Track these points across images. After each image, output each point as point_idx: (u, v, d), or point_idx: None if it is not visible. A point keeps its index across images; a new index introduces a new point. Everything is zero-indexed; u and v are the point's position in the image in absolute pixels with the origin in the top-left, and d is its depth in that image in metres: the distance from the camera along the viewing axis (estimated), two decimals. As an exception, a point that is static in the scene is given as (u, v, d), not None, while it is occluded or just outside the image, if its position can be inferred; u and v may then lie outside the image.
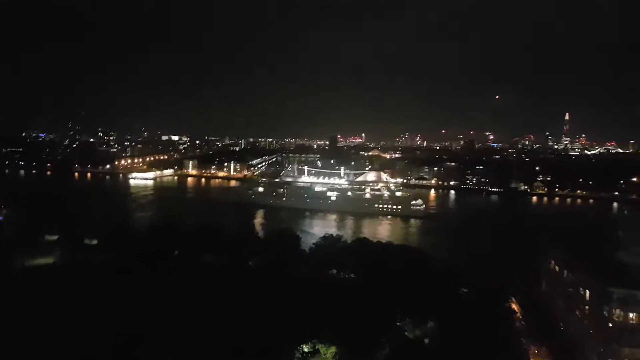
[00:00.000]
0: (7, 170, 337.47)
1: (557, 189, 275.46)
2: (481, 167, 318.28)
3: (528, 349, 64.10)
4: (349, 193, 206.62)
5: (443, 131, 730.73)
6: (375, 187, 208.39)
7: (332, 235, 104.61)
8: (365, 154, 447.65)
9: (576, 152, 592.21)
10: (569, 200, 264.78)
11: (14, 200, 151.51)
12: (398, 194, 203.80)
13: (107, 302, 69.41)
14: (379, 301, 69.92)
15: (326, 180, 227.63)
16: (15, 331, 58.86)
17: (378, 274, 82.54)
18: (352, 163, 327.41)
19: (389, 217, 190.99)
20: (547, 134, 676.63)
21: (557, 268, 79.19)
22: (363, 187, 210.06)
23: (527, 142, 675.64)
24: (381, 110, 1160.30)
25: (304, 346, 58.86)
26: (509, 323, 68.73)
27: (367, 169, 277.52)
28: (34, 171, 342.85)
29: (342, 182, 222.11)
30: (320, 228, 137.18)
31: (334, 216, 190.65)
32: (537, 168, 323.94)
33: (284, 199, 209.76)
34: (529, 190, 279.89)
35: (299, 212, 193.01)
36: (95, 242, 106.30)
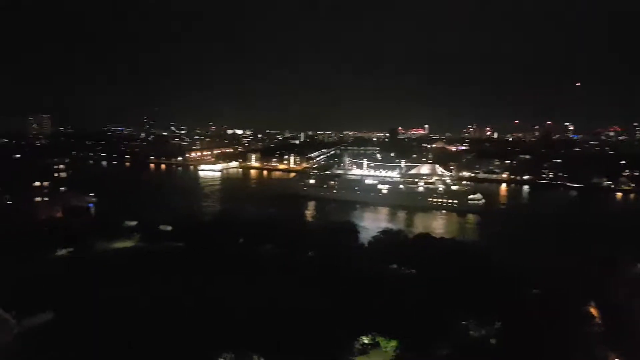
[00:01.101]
0: (91, 162, 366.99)
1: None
2: (559, 160, 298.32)
3: (606, 356, 59.61)
4: (401, 186, 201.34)
5: (516, 122, 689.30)
6: (429, 180, 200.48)
7: (391, 229, 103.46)
8: (428, 146, 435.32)
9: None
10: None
11: (99, 189, 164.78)
12: (454, 187, 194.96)
13: (178, 283, 74.40)
14: (442, 298, 68.24)
15: (381, 173, 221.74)
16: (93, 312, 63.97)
17: (441, 270, 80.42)
18: (414, 156, 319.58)
19: (444, 211, 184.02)
20: (634, 124, 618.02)
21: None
22: (416, 180, 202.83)
23: (611, 134, 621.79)
24: (446, 100, 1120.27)
25: (364, 338, 58.62)
26: (586, 328, 64.22)
27: (423, 160, 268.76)
28: (114, 162, 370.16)
29: (394, 174, 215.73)
30: (370, 221, 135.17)
31: (385, 210, 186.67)
32: (622, 162, 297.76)
33: (335, 191, 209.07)
34: (613, 186, 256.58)
35: (349, 204, 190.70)
36: (169, 228, 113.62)
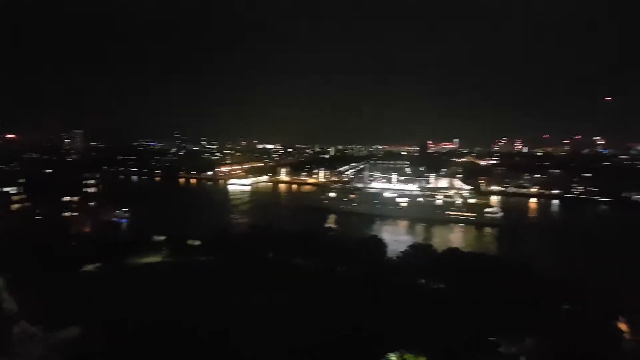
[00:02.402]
0: (122, 176, 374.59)
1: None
2: (589, 175, 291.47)
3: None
4: (420, 199, 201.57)
5: (545, 136, 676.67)
6: (448, 194, 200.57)
7: (420, 243, 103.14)
8: (458, 160, 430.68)
9: None
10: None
11: (129, 204, 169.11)
12: (471, 200, 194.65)
13: (204, 298, 75.58)
14: (472, 313, 67.54)
15: (401, 186, 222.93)
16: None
17: (470, 285, 79.88)
18: (444, 170, 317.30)
19: (462, 224, 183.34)
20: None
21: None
22: (434, 193, 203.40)
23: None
24: (476, 114, 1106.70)
25: (392, 355, 58.52)
26: (616, 344, 62.38)
27: (452, 174, 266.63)
28: (145, 177, 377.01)
29: (414, 188, 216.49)
30: (390, 235, 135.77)
31: (404, 222, 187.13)
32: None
33: (355, 204, 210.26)
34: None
35: (369, 217, 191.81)
36: (197, 243, 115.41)
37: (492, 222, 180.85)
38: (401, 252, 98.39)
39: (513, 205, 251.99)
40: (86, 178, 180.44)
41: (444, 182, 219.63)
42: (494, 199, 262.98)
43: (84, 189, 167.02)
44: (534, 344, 60.88)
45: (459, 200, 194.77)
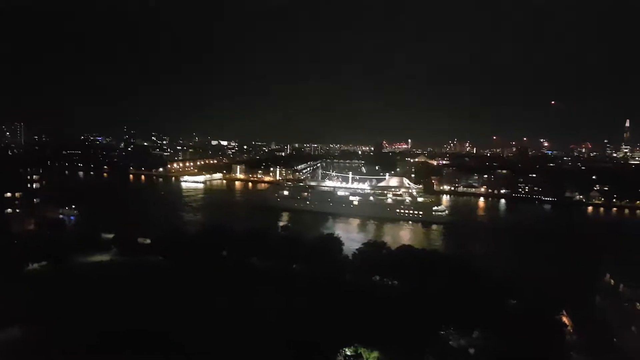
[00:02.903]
0: (67, 172, 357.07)
1: (615, 200, 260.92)
2: (534, 175, 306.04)
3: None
4: (371, 198, 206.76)
5: (494, 138, 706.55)
6: (397, 193, 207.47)
7: (375, 241, 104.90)
8: (411, 160, 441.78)
9: (637, 160, 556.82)
10: (627, 211, 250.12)
11: (75, 200, 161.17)
12: (420, 199, 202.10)
13: (152, 298, 73.78)
14: (423, 309, 69.70)
15: (352, 184, 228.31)
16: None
17: (422, 281, 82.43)
18: (398, 169, 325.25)
19: (410, 222, 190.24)
20: (605, 141, 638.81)
21: (612, 282, 75.70)
22: (385, 192, 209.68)
23: (583, 150, 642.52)
24: (429, 117, 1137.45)
25: (347, 349, 59.33)
26: (559, 337, 66.22)
27: (395, 172, 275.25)
28: (91, 173, 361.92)
29: (365, 187, 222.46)
30: (342, 232, 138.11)
31: (356, 221, 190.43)
32: (594, 177, 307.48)
33: (308, 202, 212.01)
34: (584, 200, 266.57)
35: (321, 216, 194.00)
36: (148, 241, 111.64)
37: (439, 220, 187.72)
38: (356, 250, 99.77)
39: (462, 204, 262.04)
40: (29, 174, 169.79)
41: (394, 181, 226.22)
42: (445, 198, 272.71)
43: (27, 185, 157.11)
44: (482, 337, 63.51)
45: (408, 199, 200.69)
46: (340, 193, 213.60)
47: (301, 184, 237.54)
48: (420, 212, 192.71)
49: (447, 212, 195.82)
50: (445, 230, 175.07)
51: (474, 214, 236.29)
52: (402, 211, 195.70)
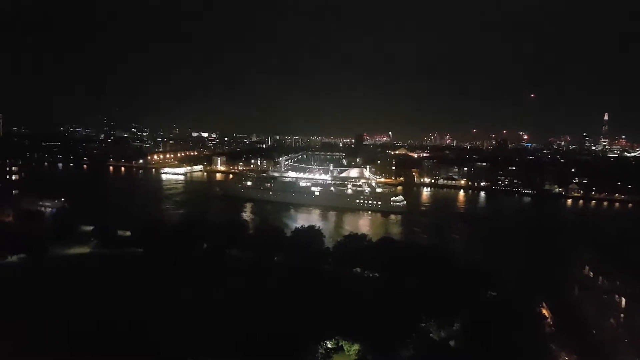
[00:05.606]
0: (46, 163, 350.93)
1: (593, 192, 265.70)
2: (514, 168, 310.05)
3: (558, 355, 62.41)
4: (332, 188, 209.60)
5: (474, 130, 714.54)
6: (357, 183, 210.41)
7: (356, 234, 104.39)
8: (392, 153, 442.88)
9: (615, 153, 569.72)
10: (605, 203, 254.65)
11: (55, 192, 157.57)
12: (379, 190, 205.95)
13: (131, 289, 72.44)
14: (404, 301, 69.74)
15: (314, 175, 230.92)
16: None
17: (403, 273, 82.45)
18: (379, 162, 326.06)
19: (370, 212, 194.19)
20: (584, 134, 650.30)
21: (591, 274, 76.87)
22: (345, 182, 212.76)
23: (562, 143, 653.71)
24: (409, 109, 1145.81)
25: (328, 342, 58.99)
26: (539, 328, 66.96)
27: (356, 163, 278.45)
28: (71, 164, 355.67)
29: (327, 177, 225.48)
30: (303, 222, 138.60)
31: (317, 210, 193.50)
32: (572, 170, 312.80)
33: (271, 193, 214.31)
34: (563, 193, 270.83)
35: (283, 206, 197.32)
36: (128, 233, 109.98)
37: (397, 210, 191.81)
38: (338, 241, 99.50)
39: (442, 197, 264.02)
40: (7, 165, 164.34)
41: (354, 172, 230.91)
42: (426, 191, 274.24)
43: (5, 177, 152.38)
44: (462, 328, 63.87)
45: (367, 190, 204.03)
46: (302, 184, 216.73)
47: (264, 174, 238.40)
48: (379, 202, 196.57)
49: (404, 202, 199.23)
50: (403, 220, 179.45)
51: (455, 206, 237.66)
52: (361, 201, 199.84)
